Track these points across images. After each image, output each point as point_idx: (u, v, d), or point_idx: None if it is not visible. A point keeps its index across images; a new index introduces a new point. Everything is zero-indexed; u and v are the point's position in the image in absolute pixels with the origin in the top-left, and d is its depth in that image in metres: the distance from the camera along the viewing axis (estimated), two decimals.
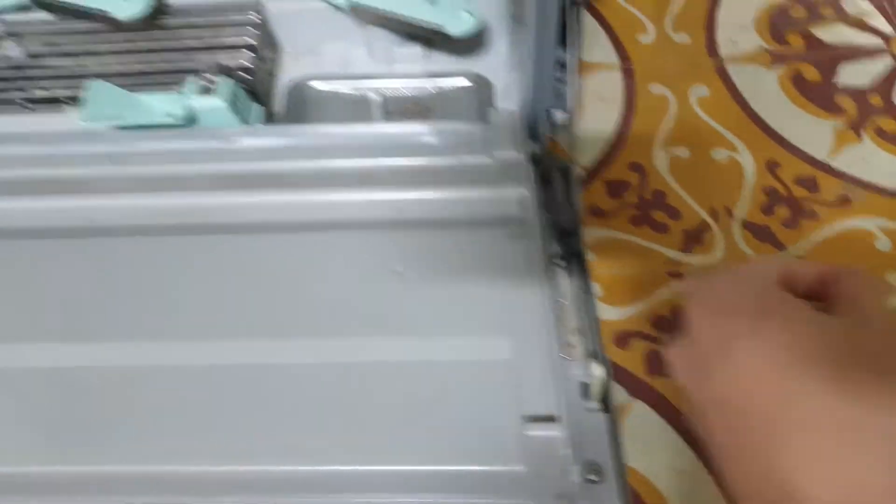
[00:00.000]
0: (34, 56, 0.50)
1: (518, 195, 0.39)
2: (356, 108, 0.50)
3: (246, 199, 0.42)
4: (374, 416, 0.34)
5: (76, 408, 0.34)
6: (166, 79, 0.46)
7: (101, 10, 0.48)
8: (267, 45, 0.50)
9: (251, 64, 0.47)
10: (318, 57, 0.51)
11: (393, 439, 0.33)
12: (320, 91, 0.50)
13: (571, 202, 0.38)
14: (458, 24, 0.44)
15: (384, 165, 0.41)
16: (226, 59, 0.47)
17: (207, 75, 0.43)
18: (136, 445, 0.33)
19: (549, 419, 0.33)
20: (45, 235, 0.41)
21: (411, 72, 0.50)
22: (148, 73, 0.47)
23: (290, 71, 0.51)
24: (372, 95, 0.50)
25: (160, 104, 0.43)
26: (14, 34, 0.51)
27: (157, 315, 0.37)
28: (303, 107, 0.50)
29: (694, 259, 0.48)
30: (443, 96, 0.50)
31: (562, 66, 0.38)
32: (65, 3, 0.49)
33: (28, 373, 0.35)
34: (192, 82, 0.44)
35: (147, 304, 0.38)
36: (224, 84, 0.43)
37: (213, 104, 0.42)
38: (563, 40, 0.36)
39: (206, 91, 0.43)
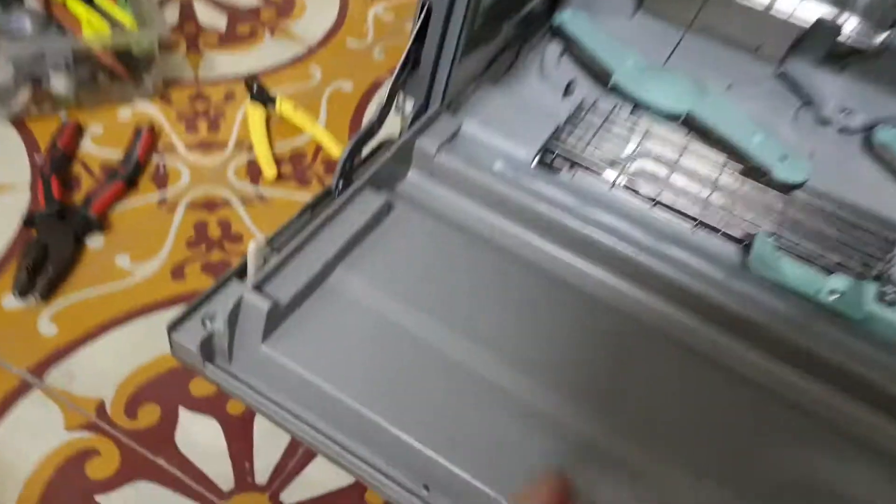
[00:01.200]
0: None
1: None
2: None
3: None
4: None
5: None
6: (812, 253, 0.43)
7: (763, 165, 0.47)
8: None
9: None
10: None
11: None
12: None
13: None
14: None
15: None
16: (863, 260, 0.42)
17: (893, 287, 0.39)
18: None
19: None
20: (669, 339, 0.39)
21: None
22: (787, 239, 0.44)
23: None
24: None
25: (815, 282, 0.40)
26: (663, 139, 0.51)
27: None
28: None
29: None
30: None
31: None
32: (725, 139, 0.49)
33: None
34: (873, 285, 0.39)
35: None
36: None
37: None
38: None
39: (893, 304, 0.38)
